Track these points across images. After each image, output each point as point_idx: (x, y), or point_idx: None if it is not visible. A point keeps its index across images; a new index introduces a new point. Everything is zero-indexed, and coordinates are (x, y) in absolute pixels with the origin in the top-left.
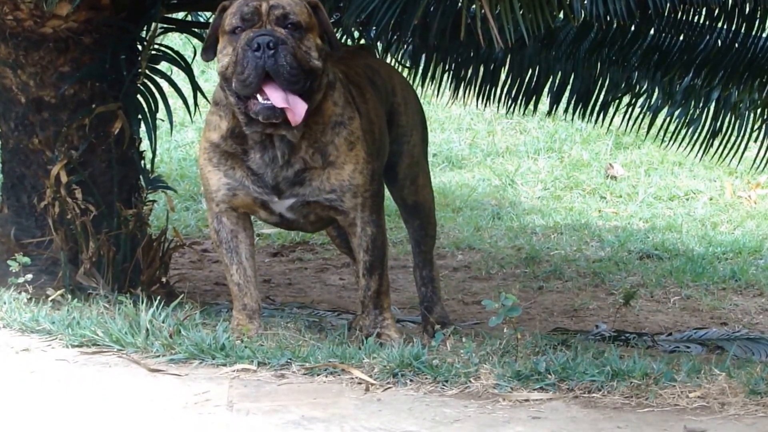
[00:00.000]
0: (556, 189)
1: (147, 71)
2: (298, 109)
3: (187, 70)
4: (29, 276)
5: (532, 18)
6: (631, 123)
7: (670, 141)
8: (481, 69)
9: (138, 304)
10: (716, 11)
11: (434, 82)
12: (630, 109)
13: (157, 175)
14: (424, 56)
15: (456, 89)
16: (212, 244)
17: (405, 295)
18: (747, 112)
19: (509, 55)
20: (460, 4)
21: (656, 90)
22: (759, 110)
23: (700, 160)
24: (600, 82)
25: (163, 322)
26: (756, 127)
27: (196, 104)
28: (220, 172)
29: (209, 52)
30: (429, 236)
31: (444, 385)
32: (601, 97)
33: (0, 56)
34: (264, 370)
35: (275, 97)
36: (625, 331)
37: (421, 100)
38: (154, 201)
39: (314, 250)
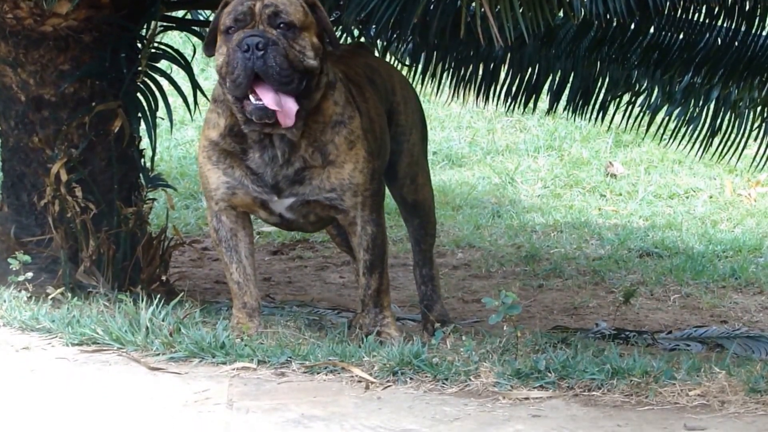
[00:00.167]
0: (556, 187)
1: (147, 69)
2: (289, 111)
3: (187, 68)
4: (29, 274)
5: (532, 16)
6: (631, 121)
7: (669, 139)
8: (481, 67)
9: (138, 302)
10: (716, 9)
11: (434, 80)
12: (630, 107)
13: (157, 173)
14: (424, 54)
15: (456, 87)
16: (212, 242)
17: (405, 294)
18: (747, 110)
19: (509, 54)
20: (459, 3)
21: (656, 88)
22: (759, 108)
23: (700, 158)
24: (600, 81)
25: (163, 321)
26: (756, 125)
27: (195, 102)
28: (219, 170)
29: (210, 48)
30: (429, 234)
31: (444, 384)
32: (601, 95)
33: (0, 54)
34: (264, 369)
35: (267, 98)
36: (625, 329)
37: (421, 99)
38: (154, 199)
39: (314, 249)
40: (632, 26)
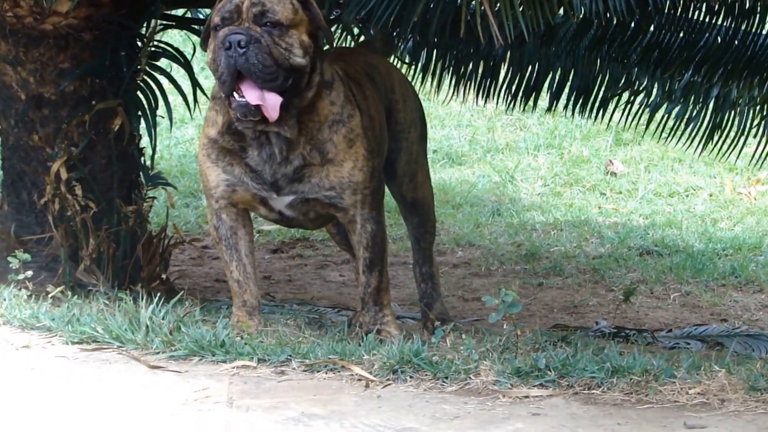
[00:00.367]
0: (556, 185)
1: (147, 68)
2: (272, 104)
3: (187, 66)
4: (29, 273)
5: (532, 15)
6: (630, 119)
7: (669, 137)
8: (481, 65)
9: (138, 300)
10: (716, 8)
11: (434, 78)
12: (630, 106)
13: (157, 171)
14: (423, 53)
15: (456, 86)
16: (212, 240)
17: (405, 292)
18: (746, 109)
19: (509, 52)
20: (459, 1)
21: (656, 86)
22: (758, 107)
23: (700, 156)
24: (600, 79)
25: (163, 319)
26: (755, 123)
27: (195, 101)
28: (219, 168)
29: (206, 44)
30: (428, 233)
31: (444, 382)
32: (601, 93)
33: (0, 53)
34: (264, 367)
35: (249, 94)
36: (624, 327)
37: (421, 97)
38: (154, 198)
39: (314, 247)
40: (632, 25)
